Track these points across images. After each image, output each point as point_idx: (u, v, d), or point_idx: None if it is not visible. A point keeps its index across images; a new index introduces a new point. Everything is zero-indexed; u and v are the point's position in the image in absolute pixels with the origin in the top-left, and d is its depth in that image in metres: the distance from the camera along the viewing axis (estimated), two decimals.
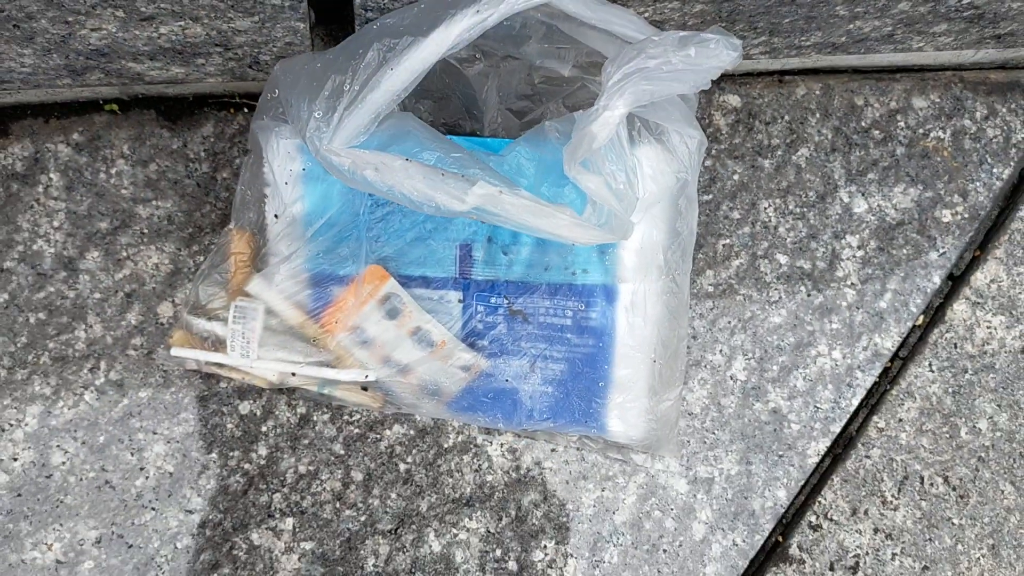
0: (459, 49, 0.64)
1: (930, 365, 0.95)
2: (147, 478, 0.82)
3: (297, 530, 0.84)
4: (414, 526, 0.86)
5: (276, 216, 0.77)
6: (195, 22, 0.66)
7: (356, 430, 0.86)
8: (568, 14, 0.67)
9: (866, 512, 0.92)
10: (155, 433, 0.83)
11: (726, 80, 0.96)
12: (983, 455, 0.94)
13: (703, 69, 0.65)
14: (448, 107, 0.81)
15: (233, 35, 0.70)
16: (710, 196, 0.93)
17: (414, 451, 0.86)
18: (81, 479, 0.82)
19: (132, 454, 0.83)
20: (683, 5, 0.73)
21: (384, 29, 0.64)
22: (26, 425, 0.81)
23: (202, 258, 0.85)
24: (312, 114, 0.64)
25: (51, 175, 0.84)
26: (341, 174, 0.64)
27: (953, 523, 0.93)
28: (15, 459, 0.81)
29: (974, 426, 0.95)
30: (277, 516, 0.84)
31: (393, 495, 0.86)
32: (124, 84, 0.80)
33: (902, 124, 0.97)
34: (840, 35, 0.83)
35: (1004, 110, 0.99)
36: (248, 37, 0.71)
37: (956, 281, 0.97)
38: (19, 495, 0.81)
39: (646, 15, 0.74)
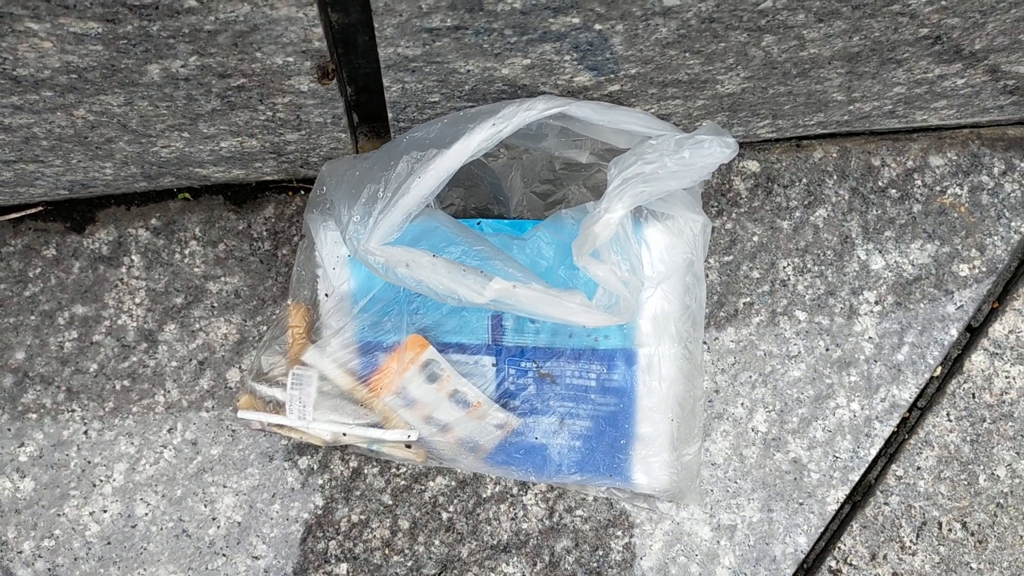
0: (479, 155, 0.72)
1: (948, 415, 0.99)
2: (218, 527, 0.93)
3: (351, 575, 0.93)
4: (456, 571, 0.94)
5: (327, 295, 0.86)
6: (250, 138, 0.76)
7: (403, 482, 0.94)
8: (578, 119, 0.75)
9: (885, 557, 0.97)
10: (225, 486, 0.93)
11: (745, 147, 1.01)
12: (1001, 501, 0.98)
13: (698, 168, 0.72)
14: (477, 193, 0.90)
15: (284, 145, 0.80)
16: (730, 257, 0.99)
17: (455, 501, 0.95)
18: (161, 529, 0.92)
19: (205, 506, 0.93)
20: (685, 102, 0.79)
21: (413, 142, 0.73)
22: (113, 480, 0.92)
23: (265, 328, 0.95)
24: (351, 218, 0.73)
25: (133, 257, 0.95)
26: (376, 270, 0.73)
27: (972, 568, 0.97)
28: (104, 511, 0.92)
29: (992, 473, 0.98)
30: (332, 562, 0.93)
31: (436, 542, 0.94)
32: (193, 182, 0.91)
33: (919, 182, 1.02)
34: (842, 115, 0.88)
35: (1022, 164, 1.02)
36: (298, 146, 0.81)
37: (974, 332, 1.01)
38: (108, 543, 0.92)
39: (652, 110, 0.81)
